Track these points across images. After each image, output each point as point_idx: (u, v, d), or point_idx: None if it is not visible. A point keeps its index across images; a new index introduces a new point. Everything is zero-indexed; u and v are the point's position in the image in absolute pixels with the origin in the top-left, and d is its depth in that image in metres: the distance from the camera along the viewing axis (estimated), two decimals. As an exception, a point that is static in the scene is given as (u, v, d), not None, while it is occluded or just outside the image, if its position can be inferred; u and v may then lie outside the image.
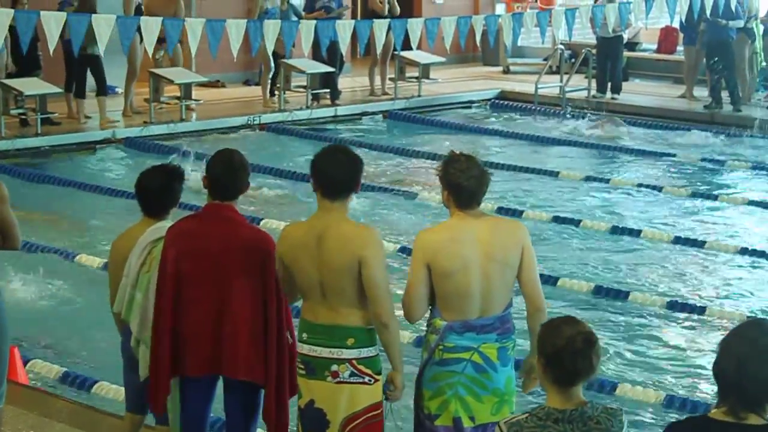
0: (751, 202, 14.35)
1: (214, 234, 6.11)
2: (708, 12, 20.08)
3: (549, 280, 10.48)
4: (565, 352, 4.35)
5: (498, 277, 5.84)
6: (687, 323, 9.83)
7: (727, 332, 4.06)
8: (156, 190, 6.50)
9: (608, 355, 9.04)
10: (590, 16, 19.64)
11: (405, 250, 11.15)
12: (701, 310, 10.12)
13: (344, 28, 17.53)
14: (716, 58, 20.17)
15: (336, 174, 5.87)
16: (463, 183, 5.83)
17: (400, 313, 5.89)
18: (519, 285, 5.89)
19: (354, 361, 5.85)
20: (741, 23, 20.50)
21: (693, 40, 21.71)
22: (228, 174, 6.17)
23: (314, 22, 17.54)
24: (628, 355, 9.25)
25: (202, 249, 6.10)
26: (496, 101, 21.94)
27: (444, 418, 5.91)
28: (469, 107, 21.50)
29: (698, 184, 15.56)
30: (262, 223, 11.57)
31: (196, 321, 6.13)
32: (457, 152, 6.04)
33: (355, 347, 5.86)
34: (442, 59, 21.78)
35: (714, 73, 20.40)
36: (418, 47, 20.62)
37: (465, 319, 5.84)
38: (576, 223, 13.07)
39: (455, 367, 5.86)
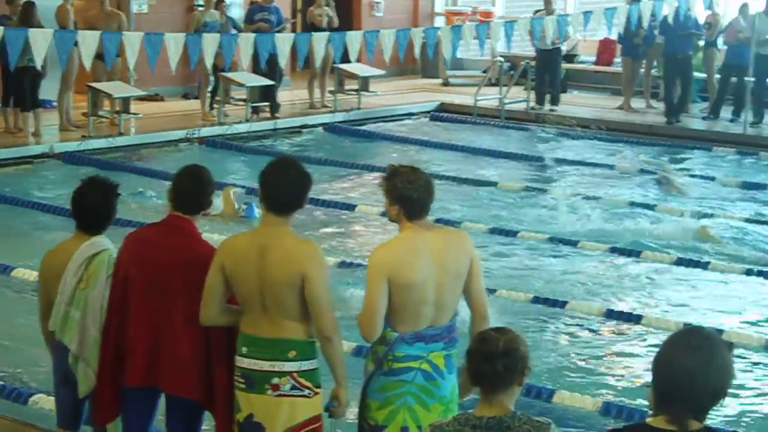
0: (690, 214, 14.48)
1: (167, 245, 6.11)
2: (650, 23, 20.36)
3: (487, 291, 10.52)
4: (478, 358, 4.43)
5: (450, 288, 5.90)
6: (624, 331, 9.90)
7: (665, 342, 4.04)
8: (93, 206, 6.43)
9: (546, 363, 9.09)
10: (529, 28, 19.78)
11: (344, 264, 11.16)
12: (638, 319, 10.20)
13: (283, 41, 17.55)
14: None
15: (285, 190, 5.87)
16: (413, 195, 5.86)
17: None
18: (465, 294, 5.95)
19: (295, 374, 5.85)
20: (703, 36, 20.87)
21: (630, 51, 21.94)
22: (193, 188, 6.20)
23: (253, 35, 17.55)
24: (566, 362, 9.31)
25: (151, 258, 6.10)
26: (436, 113, 22.04)
27: (392, 428, 5.90)
28: (409, 119, 21.56)
29: (636, 194, 15.67)
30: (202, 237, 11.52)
31: (135, 330, 6.11)
32: (399, 165, 6.06)
33: (297, 360, 5.86)
34: (382, 72, 21.82)
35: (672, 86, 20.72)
36: (358, 60, 20.65)
37: (417, 329, 5.87)
38: (514, 233, 13.14)
39: (405, 376, 5.88)
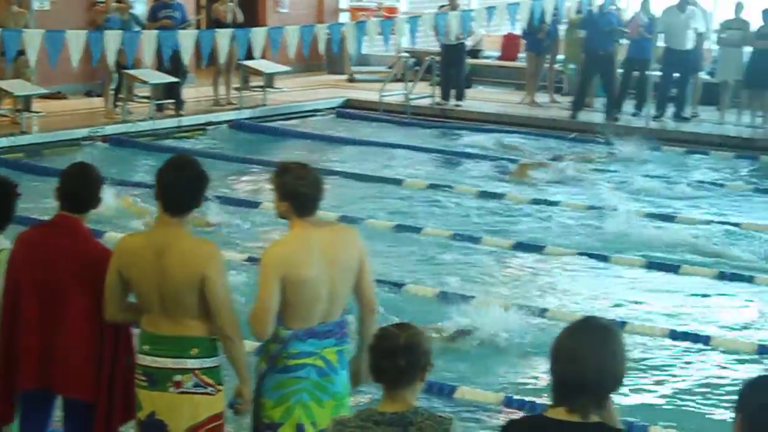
0: (591, 207, 14.61)
1: (55, 245, 6.05)
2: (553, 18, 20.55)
3: (394, 287, 10.59)
4: (379, 353, 4.46)
5: (341, 283, 5.92)
6: (527, 325, 9.96)
7: (562, 331, 4.07)
8: None
9: (450, 358, 9.14)
10: (433, 24, 19.84)
11: (253, 260, 11.14)
12: (542, 312, 10.28)
13: (187, 38, 17.43)
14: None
15: (181, 190, 5.84)
16: (302, 191, 5.87)
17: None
18: (355, 289, 5.98)
19: (197, 371, 5.84)
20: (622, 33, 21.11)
21: (534, 46, 22.13)
22: (81, 187, 6.13)
23: (156, 32, 17.41)
24: (470, 357, 9.35)
25: (40, 259, 6.04)
26: (342, 109, 22.05)
27: (288, 425, 5.91)
28: (315, 116, 21.54)
29: (540, 190, 15.81)
30: (106, 236, 11.43)
31: (27, 331, 6.05)
32: (289, 162, 6.07)
33: (199, 357, 5.84)
34: (287, 68, 21.78)
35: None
36: (263, 56, 20.60)
37: (309, 326, 5.88)
38: (417, 230, 13.17)
39: (300, 372, 5.89)
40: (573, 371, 3.98)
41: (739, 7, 20.63)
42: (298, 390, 5.89)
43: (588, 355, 3.97)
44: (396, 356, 4.45)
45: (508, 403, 8.02)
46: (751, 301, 11.11)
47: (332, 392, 5.94)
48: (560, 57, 22.98)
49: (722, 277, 11.63)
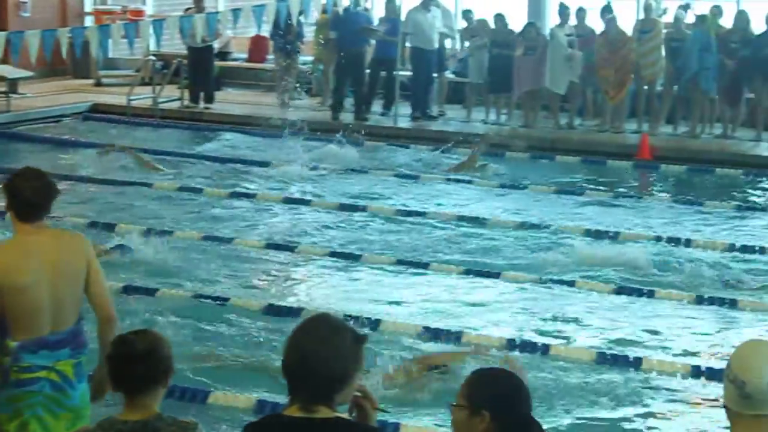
0: (343, 206, 14.75)
1: None
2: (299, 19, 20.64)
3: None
4: (117, 361, 4.40)
5: (67, 291, 5.86)
6: (282, 326, 9.94)
7: (294, 328, 4.09)
8: None
9: (206, 365, 9.07)
10: (179, 26, 19.63)
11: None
12: (297, 312, 10.25)
13: None
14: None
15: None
16: (24, 195, 5.81)
17: None
18: (88, 297, 5.93)
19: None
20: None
21: (283, 48, 22.18)
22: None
23: None
24: (226, 362, 9.29)
25: None
26: (89, 114, 21.61)
27: (23, 438, 5.84)
28: (61, 121, 21.07)
29: (294, 190, 15.86)
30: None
31: None
32: (22, 168, 6.01)
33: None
34: (30, 73, 21.22)
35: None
36: (3, 61, 20.01)
37: (38, 336, 5.78)
38: (170, 233, 13.02)
39: (33, 387, 5.81)
40: (300, 367, 3.99)
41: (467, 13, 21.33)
42: (32, 404, 5.82)
43: (314, 351, 3.98)
44: (134, 363, 4.38)
45: (261, 406, 7.98)
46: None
47: (68, 406, 5.89)
48: (308, 58, 23.11)
49: (468, 272, 11.81)
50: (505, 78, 20.39)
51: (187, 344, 9.24)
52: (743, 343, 4.19)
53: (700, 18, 19.43)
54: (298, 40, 22.22)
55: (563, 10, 20.41)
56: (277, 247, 12.70)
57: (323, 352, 3.99)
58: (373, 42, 21.58)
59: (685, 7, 20.14)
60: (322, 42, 22.15)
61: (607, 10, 20.15)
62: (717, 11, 19.71)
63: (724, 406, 4.11)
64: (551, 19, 22.22)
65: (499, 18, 20.79)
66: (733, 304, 10.73)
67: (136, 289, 10.69)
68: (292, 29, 21.56)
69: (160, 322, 9.56)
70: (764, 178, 17.14)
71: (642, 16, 20.42)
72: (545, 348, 9.50)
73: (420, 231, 13.61)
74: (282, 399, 8.11)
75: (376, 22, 21.94)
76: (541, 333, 10.06)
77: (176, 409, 4.53)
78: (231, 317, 10.24)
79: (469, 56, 21.47)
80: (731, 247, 12.73)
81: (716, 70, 19.24)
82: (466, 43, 21.70)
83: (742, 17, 19.69)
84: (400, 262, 12.13)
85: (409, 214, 14.35)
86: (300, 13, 20.83)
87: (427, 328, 9.97)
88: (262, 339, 9.72)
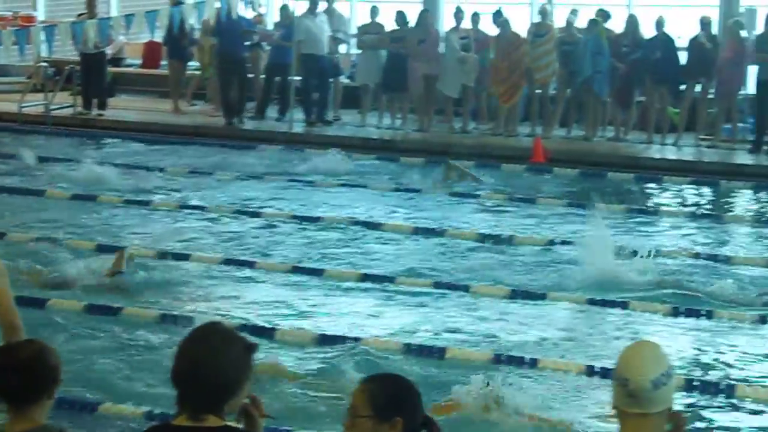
0: (241, 212, 14.69)
1: None
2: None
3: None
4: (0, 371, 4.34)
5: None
6: (174, 335, 9.84)
7: (185, 337, 4.07)
8: None
9: (106, 376, 8.97)
10: (71, 32, 19.41)
11: None
12: (188, 321, 10.15)
13: None
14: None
15: None
16: None
17: None
18: None
19: None
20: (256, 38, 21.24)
21: (176, 53, 22.04)
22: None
23: None
24: (120, 372, 9.17)
25: None
26: (-21, 122, 21.29)
27: None
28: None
29: (189, 195, 15.76)
30: None
31: None
32: None
33: None
34: None
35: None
36: None
37: None
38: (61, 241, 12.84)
39: None
40: (189, 376, 3.97)
41: (374, 11, 21.22)
42: None
43: (203, 360, 3.96)
44: (16, 373, 4.32)
45: (150, 415, 7.90)
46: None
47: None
48: (197, 63, 23.00)
49: (364, 278, 11.75)
50: (401, 77, 20.45)
51: (76, 356, 9.11)
52: (629, 345, 4.27)
53: (592, 22, 19.67)
54: (192, 46, 22.09)
55: (458, 14, 20.53)
56: (174, 256, 12.54)
57: (212, 361, 3.96)
58: (267, 48, 21.57)
59: (575, 12, 20.38)
60: (205, 48, 22.06)
61: (499, 15, 20.30)
62: (604, 15, 19.97)
63: (614, 407, 4.18)
64: (446, 23, 22.38)
65: (400, 15, 20.83)
66: (624, 305, 10.80)
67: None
68: (185, 35, 21.43)
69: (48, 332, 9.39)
70: (654, 181, 17.38)
71: (537, 20, 20.65)
72: (441, 352, 9.48)
73: (314, 236, 13.59)
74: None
75: (270, 27, 21.90)
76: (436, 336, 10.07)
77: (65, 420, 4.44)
78: (123, 328, 10.11)
79: (359, 59, 21.53)
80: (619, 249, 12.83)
81: (608, 74, 19.51)
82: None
83: (632, 21, 19.98)
84: (296, 269, 12.06)
85: (304, 219, 14.32)
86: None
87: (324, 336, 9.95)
88: (157, 347, 9.62)
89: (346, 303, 11.12)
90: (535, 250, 12.95)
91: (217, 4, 19.98)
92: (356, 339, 9.71)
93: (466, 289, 11.27)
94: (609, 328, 10.26)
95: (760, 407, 7.86)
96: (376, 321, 10.58)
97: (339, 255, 12.78)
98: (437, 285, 11.41)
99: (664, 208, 15.68)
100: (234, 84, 21.14)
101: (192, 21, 21.27)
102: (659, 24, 19.57)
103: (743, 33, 19.53)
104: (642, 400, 4.10)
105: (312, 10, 20.83)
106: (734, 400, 8.09)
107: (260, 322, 10.18)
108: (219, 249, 12.97)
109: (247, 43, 21.44)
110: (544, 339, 9.90)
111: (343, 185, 16.52)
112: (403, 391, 4.19)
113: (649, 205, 16.00)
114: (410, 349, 9.45)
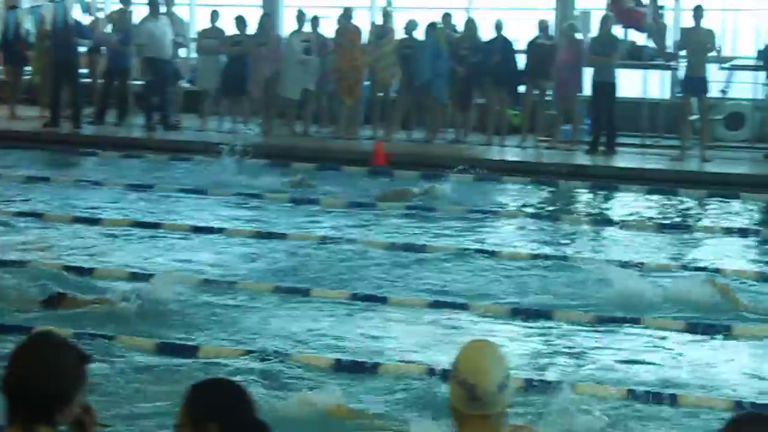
0: (77, 219, 14.41)
1: None
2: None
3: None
4: None
5: None
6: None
7: (17, 346, 3.97)
8: None
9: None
10: None
11: None
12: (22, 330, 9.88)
13: None
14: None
15: None
16: None
17: None
18: None
19: None
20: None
21: (13, 59, 21.66)
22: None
23: None
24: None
25: None
26: None
27: None
28: None
29: (23, 203, 15.42)
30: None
31: None
32: None
33: None
34: None
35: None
36: None
37: None
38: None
39: None
40: (19, 386, 3.88)
41: (214, 16, 21.09)
42: None
43: (34, 370, 3.87)
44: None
45: None
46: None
47: None
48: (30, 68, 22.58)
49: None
50: (241, 81, 20.38)
51: None
52: (466, 345, 4.25)
53: (430, 26, 19.82)
54: (28, 51, 21.66)
55: (300, 17, 20.50)
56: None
57: (43, 371, 3.89)
58: (104, 51, 21.29)
59: (414, 22, 20.49)
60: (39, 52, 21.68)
61: (344, 17, 20.34)
62: (447, 20, 20.19)
63: (451, 408, 4.17)
64: (286, 25, 22.36)
65: (239, 20, 20.73)
66: (464, 307, 10.81)
67: None
68: (21, 40, 20.99)
69: None
70: (495, 181, 17.56)
71: (378, 22, 20.75)
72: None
73: (156, 242, 13.40)
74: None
75: (108, 30, 21.58)
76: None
77: None
78: None
79: (199, 63, 21.38)
80: (462, 251, 12.91)
81: (447, 77, 19.68)
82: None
83: (470, 25, 20.19)
84: (133, 276, 11.79)
85: (145, 226, 14.10)
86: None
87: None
88: None
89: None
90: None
91: (52, 9, 19.71)
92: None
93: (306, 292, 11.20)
94: (448, 329, 10.26)
95: (595, 405, 7.93)
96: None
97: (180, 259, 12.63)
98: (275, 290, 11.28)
99: (504, 210, 15.83)
100: (65, 89, 20.79)
101: (28, 26, 20.84)
102: (498, 27, 19.83)
103: (579, 36, 19.89)
104: (486, 403, 4.11)
105: (154, 14, 20.60)
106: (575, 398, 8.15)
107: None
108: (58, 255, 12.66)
109: (84, 48, 21.08)
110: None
111: (181, 190, 16.33)
112: (222, 395, 4.10)
113: (488, 206, 16.09)
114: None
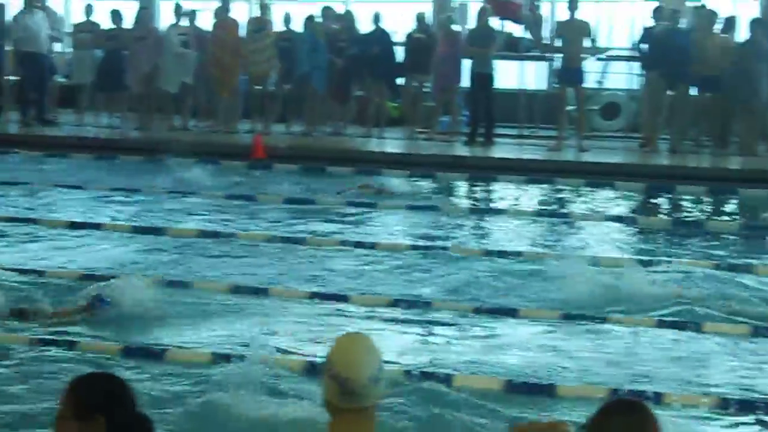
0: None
1: None
2: None
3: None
4: None
5: None
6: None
7: None
8: None
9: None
10: None
11: None
12: None
13: None
14: None
15: None
16: None
17: None
18: None
19: None
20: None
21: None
22: None
23: None
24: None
25: None
26: None
27: None
28: None
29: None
30: None
31: None
32: None
33: None
34: None
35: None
36: None
37: None
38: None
39: None
40: None
41: (89, 10, 20.84)
42: None
43: None
44: None
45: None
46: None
47: None
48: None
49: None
50: (117, 76, 20.18)
51: None
52: (339, 339, 4.27)
53: (308, 19, 19.81)
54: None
55: (177, 10, 20.35)
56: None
57: None
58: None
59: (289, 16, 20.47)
60: None
61: (222, 10, 20.25)
62: (327, 12, 20.20)
63: (325, 401, 4.18)
64: (163, 20, 22.17)
65: (115, 14, 20.52)
66: (345, 299, 10.82)
67: None
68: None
69: None
70: (375, 174, 17.57)
71: (255, 14, 20.67)
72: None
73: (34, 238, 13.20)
74: None
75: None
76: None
77: None
78: None
79: (74, 58, 21.12)
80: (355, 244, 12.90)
81: (326, 69, 19.67)
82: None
83: (348, 17, 20.21)
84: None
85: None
86: None
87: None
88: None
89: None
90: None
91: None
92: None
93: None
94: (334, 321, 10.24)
95: (481, 401, 7.96)
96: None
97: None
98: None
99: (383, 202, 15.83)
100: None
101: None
102: (376, 19, 19.88)
103: (456, 28, 20.02)
104: (360, 396, 4.13)
105: (29, 8, 20.27)
106: (453, 389, 8.18)
107: None
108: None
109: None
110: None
111: (57, 186, 16.08)
112: (109, 387, 4.06)
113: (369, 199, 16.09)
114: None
